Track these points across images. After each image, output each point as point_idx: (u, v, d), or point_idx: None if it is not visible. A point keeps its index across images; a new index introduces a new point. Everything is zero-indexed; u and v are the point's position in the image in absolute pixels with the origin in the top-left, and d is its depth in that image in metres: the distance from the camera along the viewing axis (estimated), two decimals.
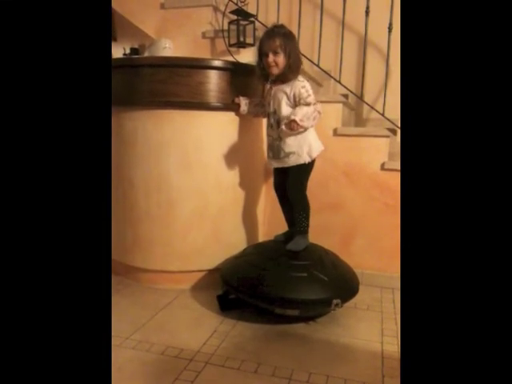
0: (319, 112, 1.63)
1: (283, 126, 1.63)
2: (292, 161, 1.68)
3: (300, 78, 1.65)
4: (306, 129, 1.63)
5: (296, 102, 1.63)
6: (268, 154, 1.79)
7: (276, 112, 1.69)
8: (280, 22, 1.73)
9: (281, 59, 1.61)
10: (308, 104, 1.61)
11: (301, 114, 1.57)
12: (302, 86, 1.62)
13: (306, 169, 1.71)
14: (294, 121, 1.56)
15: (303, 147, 1.67)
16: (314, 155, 1.69)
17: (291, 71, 1.63)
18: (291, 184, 1.73)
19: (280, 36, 1.60)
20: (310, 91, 1.63)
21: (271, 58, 1.61)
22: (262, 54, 1.64)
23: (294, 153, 1.67)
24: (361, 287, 1.70)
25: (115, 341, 1.47)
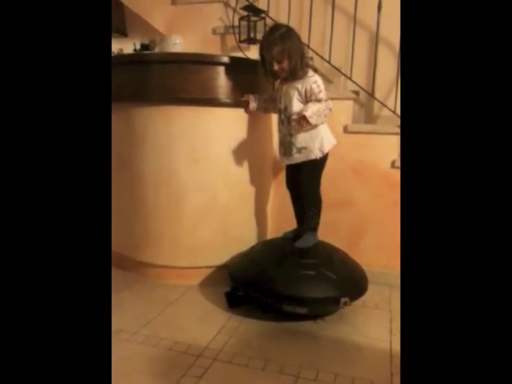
0: (330, 109, 1.62)
1: (292, 122, 1.62)
2: (303, 156, 1.67)
3: (310, 72, 1.64)
4: (314, 126, 1.62)
5: (307, 98, 1.62)
6: (279, 150, 1.78)
7: (287, 108, 1.68)
8: (273, 23, 1.72)
9: (285, 64, 1.59)
10: (319, 100, 1.60)
11: (311, 111, 1.56)
12: (313, 81, 1.61)
13: (318, 164, 1.69)
14: (304, 117, 1.55)
15: (315, 142, 1.65)
16: (326, 150, 1.68)
17: (298, 69, 1.61)
18: (303, 180, 1.72)
19: (277, 42, 1.56)
20: (322, 87, 1.62)
21: (276, 66, 1.60)
22: (264, 61, 1.62)
23: (305, 148, 1.66)
24: (370, 285, 1.69)
25: (123, 335, 1.48)
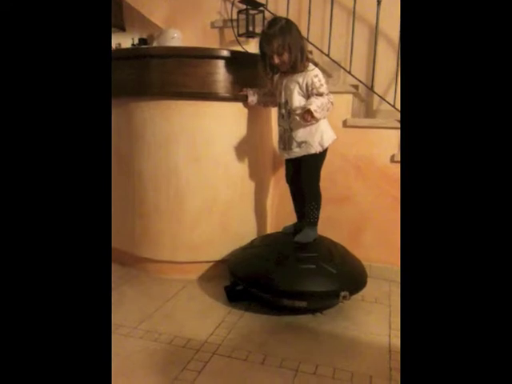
0: (332, 103, 1.61)
1: (297, 116, 1.62)
2: (303, 150, 1.67)
3: (311, 66, 1.63)
4: (317, 120, 1.62)
5: (308, 92, 1.61)
6: (279, 145, 1.77)
7: (288, 102, 1.67)
8: (272, 17, 1.70)
9: (286, 57, 1.59)
10: (321, 94, 1.59)
11: (315, 105, 1.55)
12: (314, 75, 1.61)
13: (317, 159, 1.69)
14: (309, 111, 1.54)
15: (314, 137, 1.65)
16: (326, 145, 1.68)
17: (298, 62, 1.60)
18: (304, 174, 1.72)
19: (277, 36, 1.55)
20: (323, 81, 1.61)
21: (277, 59, 1.59)
22: (265, 56, 1.61)
23: (305, 142, 1.66)
24: (369, 280, 1.69)
25: (123, 330, 1.48)
